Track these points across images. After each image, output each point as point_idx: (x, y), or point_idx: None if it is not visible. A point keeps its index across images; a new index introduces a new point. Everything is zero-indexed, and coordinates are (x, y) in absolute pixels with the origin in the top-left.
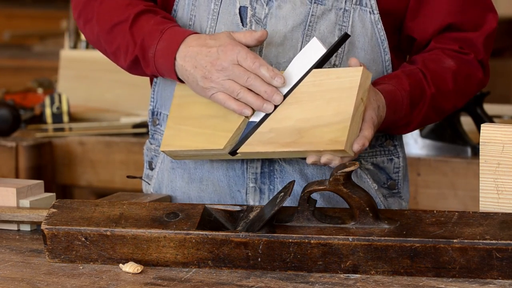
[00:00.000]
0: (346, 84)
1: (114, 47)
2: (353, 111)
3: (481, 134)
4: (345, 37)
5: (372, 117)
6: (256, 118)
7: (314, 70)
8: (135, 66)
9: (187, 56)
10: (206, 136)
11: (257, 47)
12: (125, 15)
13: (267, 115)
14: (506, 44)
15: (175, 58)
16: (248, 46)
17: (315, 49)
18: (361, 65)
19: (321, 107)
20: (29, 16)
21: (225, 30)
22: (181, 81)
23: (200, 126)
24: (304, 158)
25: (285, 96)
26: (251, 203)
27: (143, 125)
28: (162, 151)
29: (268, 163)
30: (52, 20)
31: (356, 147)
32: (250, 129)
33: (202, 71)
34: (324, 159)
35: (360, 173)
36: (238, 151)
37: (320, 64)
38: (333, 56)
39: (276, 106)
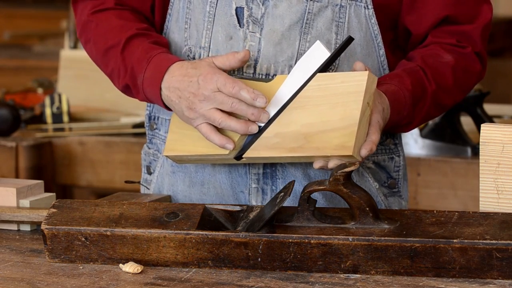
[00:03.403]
0: (352, 89)
1: (109, 70)
2: (359, 116)
3: (481, 134)
4: (348, 40)
5: (378, 121)
6: (261, 123)
7: (318, 74)
8: (127, 91)
9: (171, 87)
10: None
11: (255, 47)
12: (117, 39)
13: (271, 120)
14: (506, 44)
15: (160, 88)
16: (232, 69)
17: (319, 53)
18: (366, 69)
19: (326, 112)
20: (29, 16)
21: (221, 32)
22: (169, 109)
23: None
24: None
25: (289, 101)
26: (254, 203)
27: (143, 125)
28: (166, 156)
29: (270, 163)
30: (52, 20)
31: (364, 152)
32: (255, 133)
33: (186, 102)
34: (331, 164)
35: (361, 172)
36: (243, 156)
37: (324, 68)
38: None
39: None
